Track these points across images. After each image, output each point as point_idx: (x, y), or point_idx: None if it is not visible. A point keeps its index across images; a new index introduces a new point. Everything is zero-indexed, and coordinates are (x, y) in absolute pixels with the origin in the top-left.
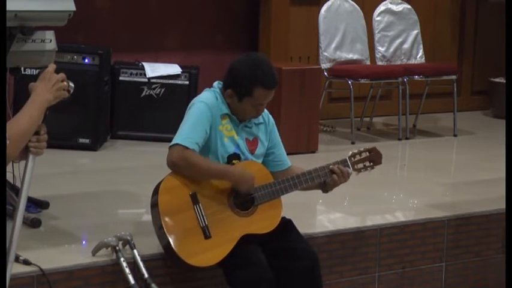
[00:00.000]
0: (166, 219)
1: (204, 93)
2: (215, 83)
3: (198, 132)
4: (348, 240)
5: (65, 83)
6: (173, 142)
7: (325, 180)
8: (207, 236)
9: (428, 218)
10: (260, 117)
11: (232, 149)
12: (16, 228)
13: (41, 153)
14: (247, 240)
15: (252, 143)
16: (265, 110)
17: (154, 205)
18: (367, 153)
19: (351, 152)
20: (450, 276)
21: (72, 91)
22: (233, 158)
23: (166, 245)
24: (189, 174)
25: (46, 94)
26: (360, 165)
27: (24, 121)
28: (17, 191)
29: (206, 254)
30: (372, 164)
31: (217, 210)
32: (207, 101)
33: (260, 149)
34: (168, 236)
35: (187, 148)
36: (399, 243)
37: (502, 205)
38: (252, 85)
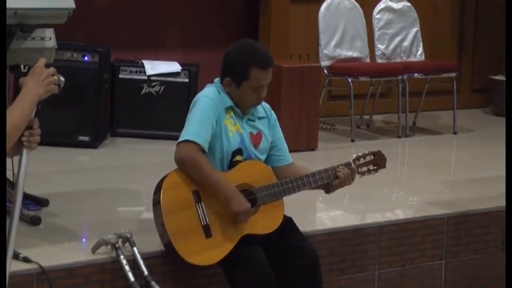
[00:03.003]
0: (168, 216)
1: (206, 88)
2: (216, 79)
3: (206, 128)
4: (348, 238)
5: (55, 77)
6: (182, 138)
7: (329, 182)
8: (208, 235)
9: (428, 216)
10: (263, 111)
11: (237, 144)
12: (14, 224)
13: (34, 147)
14: (247, 240)
15: (256, 137)
16: (268, 105)
17: (156, 203)
18: (372, 157)
19: (355, 155)
20: (450, 273)
21: (62, 85)
22: (236, 153)
23: (167, 243)
24: (191, 174)
25: (37, 88)
26: (364, 169)
27: (15, 116)
28: None
29: (207, 253)
30: (375, 167)
31: (219, 210)
32: (211, 95)
33: (264, 144)
34: (169, 233)
35: (198, 146)
36: (399, 241)
37: (501, 203)
38: (247, 67)
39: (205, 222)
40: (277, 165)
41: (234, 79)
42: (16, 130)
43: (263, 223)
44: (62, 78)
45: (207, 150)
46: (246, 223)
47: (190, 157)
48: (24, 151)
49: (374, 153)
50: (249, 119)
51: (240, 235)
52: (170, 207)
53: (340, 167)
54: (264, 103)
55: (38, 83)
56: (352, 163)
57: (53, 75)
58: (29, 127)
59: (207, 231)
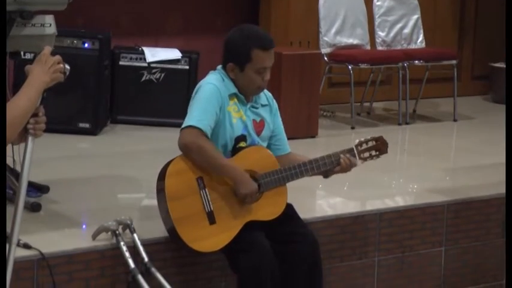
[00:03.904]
0: (172, 203)
1: (210, 75)
2: (218, 67)
3: (210, 114)
4: (348, 225)
5: (61, 65)
6: (186, 124)
7: (330, 168)
8: (212, 222)
9: (428, 203)
10: (265, 99)
11: (240, 130)
12: (18, 211)
13: (40, 134)
14: (251, 226)
15: (259, 125)
16: (270, 94)
17: (160, 189)
18: (374, 142)
19: (357, 141)
20: (450, 260)
21: (68, 73)
22: (240, 139)
23: (171, 229)
24: (197, 159)
25: (43, 76)
26: (366, 154)
27: (22, 103)
28: (17, 175)
29: (210, 240)
30: (377, 153)
31: (223, 196)
32: (215, 82)
33: (266, 131)
34: (173, 219)
35: (201, 132)
36: (399, 227)
37: (501, 190)
38: (248, 49)
39: (209, 209)
40: (276, 155)
41: (237, 63)
42: (22, 118)
43: (267, 209)
44: (67, 67)
45: (209, 137)
46: (250, 209)
47: (194, 143)
48: (30, 138)
49: (376, 139)
50: (253, 106)
51: (243, 221)
52: (175, 193)
53: (347, 155)
54: (266, 92)
55: (44, 71)
56: (354, 149)
57: (58, 63)
58: (35, 115)
59: (211, 217)
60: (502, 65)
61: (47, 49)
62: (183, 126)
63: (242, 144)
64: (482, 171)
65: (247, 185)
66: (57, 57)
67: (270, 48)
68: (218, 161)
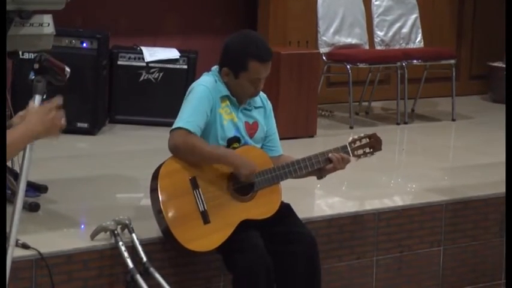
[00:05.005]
0: (166, 203)
1: (203, 77)
2: (213, 67)
3: (200, 115)
4: (346, 224)
5: (63, 121)
6: (175, 126)
7: (323, 166)
8: (206, 221)
9: (426, 202)
10: (259, 101)
11: (232, 132)
12: (16, 213)
13: (63, 127)
14: (246, 226)
15: (252, 127)
16: (264, 95)
17: (153, 189)
18: (367, 139)
19: (351, 138)
20: (448, 260)
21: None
22: (233, 141)
23: (165, 229)
24: (190, 158)
25: (37, 126)
26: (360, 152)
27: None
28: (15, 175)
29: (205, 239)
30: (371, 150)
31: (217, 195)
32: (207, 84)
33: (260, 133)
34: (166, 220)
35: (189, 132)
36: (397, 227)
37: (500, 189)
38: (246, 59)
39: (203, 209)
40: (269, 156)
41: (233, 69)
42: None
43: (261, 208)
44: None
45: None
46: (244, 208)
47: (183, 142)
48: None
49: (369, 136)
50: (245, 109)
51: (238, 220)
52: (168, 194)
53: (335, 151)
54: (261, 92)
55: (42, 121)
56: (347, 146)
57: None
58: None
59: (205, 217)
60: (501, 64)
61: (57, 100)
62: (172, 128)
63: (235, 145)
64: (481, 170)
65: (247, 166)
66: (61, 113)
67: (268, 60)
68: (211, 152)
